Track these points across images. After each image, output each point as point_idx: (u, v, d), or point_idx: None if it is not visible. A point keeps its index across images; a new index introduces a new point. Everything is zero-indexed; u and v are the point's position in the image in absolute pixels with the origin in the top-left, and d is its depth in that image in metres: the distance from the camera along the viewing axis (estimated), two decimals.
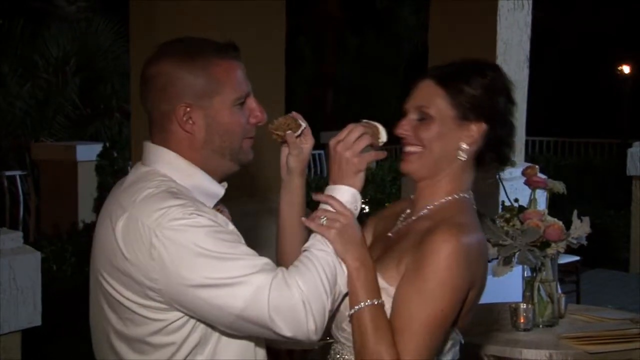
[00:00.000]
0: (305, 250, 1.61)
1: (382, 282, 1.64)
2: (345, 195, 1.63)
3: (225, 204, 1.75)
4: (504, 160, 1.75)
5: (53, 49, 9.78)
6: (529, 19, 5.36)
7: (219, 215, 1.61)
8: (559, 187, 3.27)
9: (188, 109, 1.61)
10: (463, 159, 1.69)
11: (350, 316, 1.61)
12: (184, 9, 3.47)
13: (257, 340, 1.65)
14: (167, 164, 1.63)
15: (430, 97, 1.69)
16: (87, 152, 7.51)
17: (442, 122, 1.67)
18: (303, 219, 1.66)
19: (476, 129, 1.68)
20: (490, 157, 1.72)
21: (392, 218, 1.83)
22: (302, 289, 1.51)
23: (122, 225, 1.55)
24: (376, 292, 1.62)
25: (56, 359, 4.55)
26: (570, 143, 12.15)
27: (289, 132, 1.74)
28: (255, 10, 3.69)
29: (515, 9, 5.18)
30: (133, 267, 1.54)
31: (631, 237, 7.41)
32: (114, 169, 7.06)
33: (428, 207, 1.71)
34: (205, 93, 1.61)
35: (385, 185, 8.19)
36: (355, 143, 1.63)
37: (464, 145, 1.68)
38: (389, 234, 1.78)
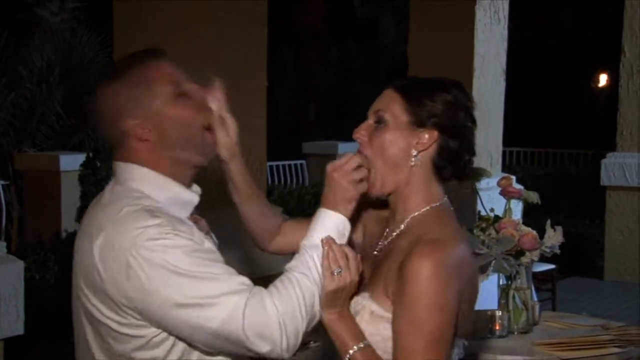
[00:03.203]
0: (287, 271, 1.61)
1: (379, 310, 1.65)
2: (336, 220, 1.64)
3: (204, 213, 1.76)
4: (460, 177, 1.73)
5: (37, 59, 9.67)
6: (506, 32, 5.44)
7: (196, 232, 1.60)
8: (534, 197, 3.33)
9: (139, 121, 1.62)
10: (413, 164, 1.68)
11: None
12: (168, 21, 3.50)
13: (238, 357, 1.65)
14: (139, 180, 1.63)
15: (388, 103, 1.71)
16: (71, 162, 7.44)
17: (396, 127, 1.68)
18: (324, 241, 1.63)
19: (428, 136, 1.67)
20: (448, 171, 1.70)
21: (379, 226, 1.81)
22: (278, 310, 1.53)
23: (100, 245, 1.56)
24: (360, 335, 1.63)
25: None
26: (547, 153, 12.19)
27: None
28: (237, 22, 3.72)
29: (492, 23, 5.26)
30: (110, 286, 1.54)
31: (605, 245, 7.41)
32: (97, 178, 7.03)
33: (405, 222, 1.70)
34: (147, 97, 1.63)
35: None
36: (354, 172, 1.65)
37: (414, 151, 1.68)
38: (375, 252, 1.76)
